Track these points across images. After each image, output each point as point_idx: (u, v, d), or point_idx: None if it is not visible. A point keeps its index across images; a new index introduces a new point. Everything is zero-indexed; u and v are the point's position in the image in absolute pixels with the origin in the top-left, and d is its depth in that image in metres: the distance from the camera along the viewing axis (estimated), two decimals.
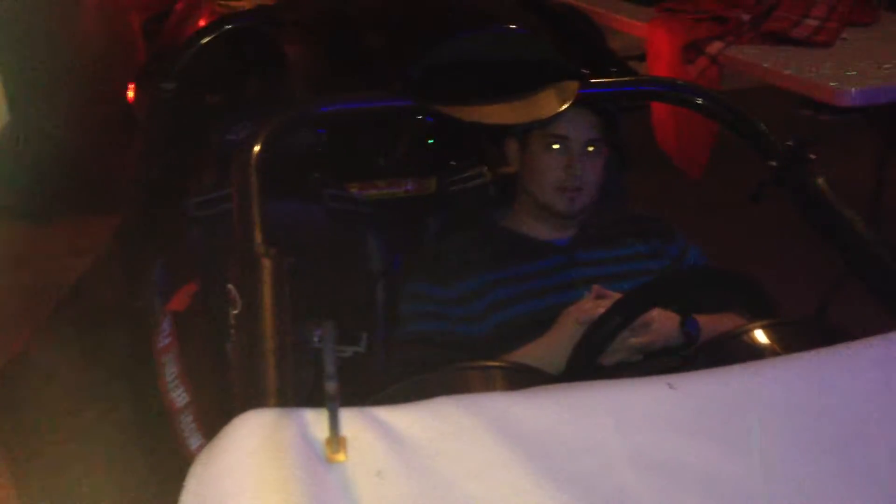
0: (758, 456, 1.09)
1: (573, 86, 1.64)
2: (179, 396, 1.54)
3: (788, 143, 1.60)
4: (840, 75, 2.85)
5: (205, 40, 1.89)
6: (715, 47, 3.17)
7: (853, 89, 2.75)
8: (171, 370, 1.56)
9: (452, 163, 2.16)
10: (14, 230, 3.98)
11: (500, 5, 1.86)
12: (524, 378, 1.36)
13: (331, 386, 1.02)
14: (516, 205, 1.91)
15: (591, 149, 1.78)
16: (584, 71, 1.65)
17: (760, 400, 1.13)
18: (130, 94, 2.38)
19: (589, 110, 1.75)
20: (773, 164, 1.60)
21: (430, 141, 2.22)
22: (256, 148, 1.39)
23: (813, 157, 1.58)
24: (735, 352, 1.40)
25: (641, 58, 3.58)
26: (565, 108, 1.63)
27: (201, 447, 1.07)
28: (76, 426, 1.89)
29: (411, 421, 1.05)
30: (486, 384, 1.38)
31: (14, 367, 2.06)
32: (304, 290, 1.78)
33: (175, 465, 1.35)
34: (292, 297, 1.26)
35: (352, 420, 1.03)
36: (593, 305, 1.64)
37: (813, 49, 3.11)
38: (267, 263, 1.25)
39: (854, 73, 2.86)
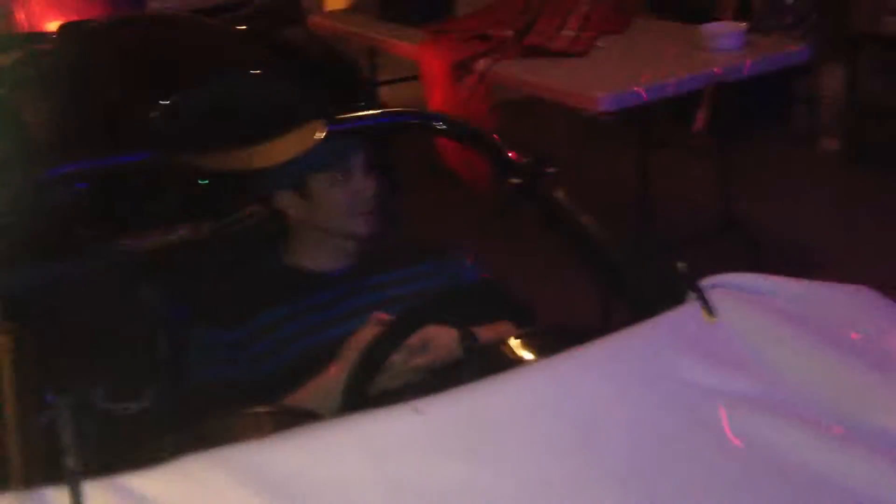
0: (504, 465, 1.15)
1: (318, 124, 1.67)
2: None
3: (528, 159, 1.69)
4: (595, 83, 3.03)
5: None
6: (482, 64, 3.30)
7: (607, 95, 2.93)
8: None
9: (225, 204, 2.14)
10: None
11: (244, 51, 1.86)
12: (295, 420, 1.37)
13: (70, 461, 1.01)
14: (295, 239, 1.92)
15: (368, 172, 1.83)
16: (328, 108, 1.68)
17: (504, 413, 1.19)
18: None
19: (358, 138, 1.79)
20: (516, 180, 1.68)
21: (203, 183, 2.20)
22: None
23: (551, 170, 1.68)
24: (504, 360, 1.47)
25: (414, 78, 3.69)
26: (313, 146, 1.66)
27: None
28: None
29: (157, 484, 1.04)
30: (257, 431, 1.38)
31: None
32: (74, 351, 1.73)
33: None
34: (52, 362, 1.22)
35: (97, 492, 1.02)
36: (371, 333, 1.67)
37: (571, 59, 3.29)
38: (3, 341, 1.21)
39: (605, 79, 3.05)
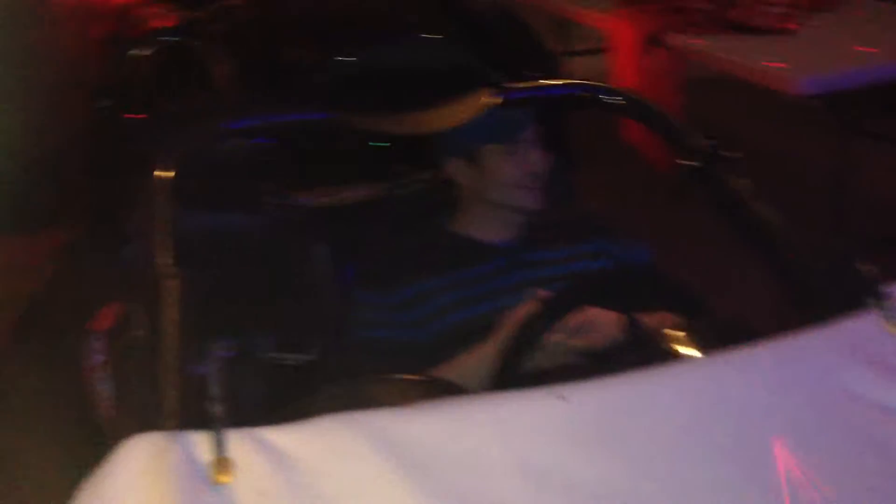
0: (647, 465, 1.10)
1: (489, 93, 1.64)
2: (111, 414, 1.56)
3: (708, 142, 1.60)
4: (798, 63, 2.84)
5: (138, 56, 1.91)
6: (675, 38, 3.16)
7: (810, 77, 2.75)
8: (103, 388, 1.58)
9: (401, 167, 2.17)
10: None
11: (418, 13, 1.86)
12: (440, 391, 1.37)
13: (216, 408, 1.04)
14: (463, 207, 1.92)
15: (539, 146, 1.81)
16: (498, 77, 1.65)
17: (652, 409, 1.14)
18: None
19: (531, 110, 1.77)
20: (693, 163, 1.60)
21: (379, 144, 2.23)
22: (164, 167, 1.40)
23: (733, 155, 1.58)
24: (664, 352, 1.41)
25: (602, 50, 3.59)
26: (482, 114, 1.64)
27: None
28: (35, 435, 1.91)
29: (296, 441, 1.07)
30: (403, 397, 1.39)
31: None
32: (244, 300, 1.80)
33: None
34: (210, 315, 1.27)
35: (238, 442, 1.05)
36: (529, 310, 1.65)
37: (774, 37, 3.10)
38: (170, 284, 1.26)
39: (810, 60, 2.85)
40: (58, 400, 1.86)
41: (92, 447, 1.57)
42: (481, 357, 1.62)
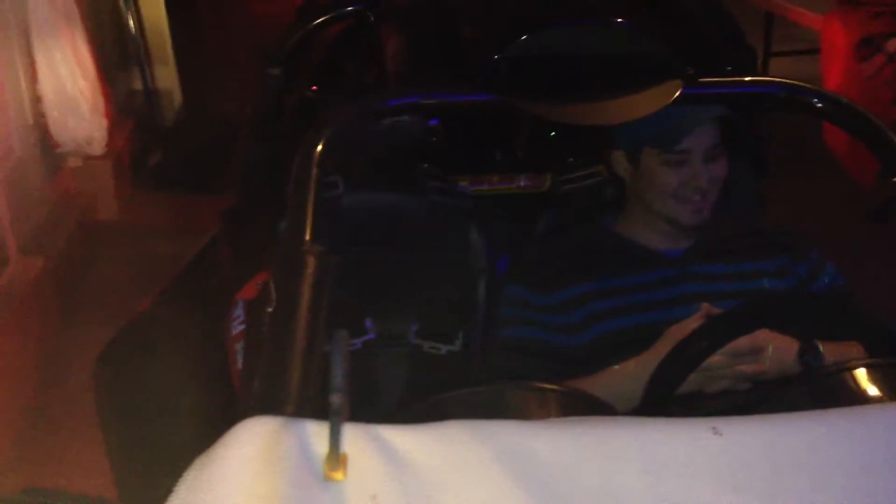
0: None
1: (674, 85, 1.50)
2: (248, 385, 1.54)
3: None
4: None
5: (311, 26, 1.89)
6: (894, 44, 2.89)
7: None
8: (241, 358, 1.57)
9: (570, 160, 2.06)
10: (182, 203, 4.21)
11: None
12: (583, 406, 1.26)
13: (336, 398, 0.97)
14: (629, 209, 1.79)
15: (711, 156, 1.67)
16: (689, 70, 1.51)
17: (818, 455, 0.98)
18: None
19: (708, 117, 1.64)
20: None
21: (551, 134, 2.13)
22: (317, 143, 1.35)
23: None
24: (838, 390, 1.25)
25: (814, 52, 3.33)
26: (667, 108, 1.50)
27: None
28: (177, 402, 1.93)
29: (417, 444, 0.98)
30: (542, 407, 1.29)
31: (127, 334, 2.11)
32: (392, 283, 1.75)
33: None
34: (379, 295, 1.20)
35: (355, 437, 0.98)
36: (694, 325, 1.51)
37: None
38: (309, 261, 1.20)
39: None
40: (198, 366, 1.86)
41: (224, 418, 1.56)
42: (633, 373, 1.51)
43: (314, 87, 2.03)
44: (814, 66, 3.59)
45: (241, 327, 1.58)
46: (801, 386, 1.30)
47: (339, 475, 0.95)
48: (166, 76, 4.78)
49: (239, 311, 1.60)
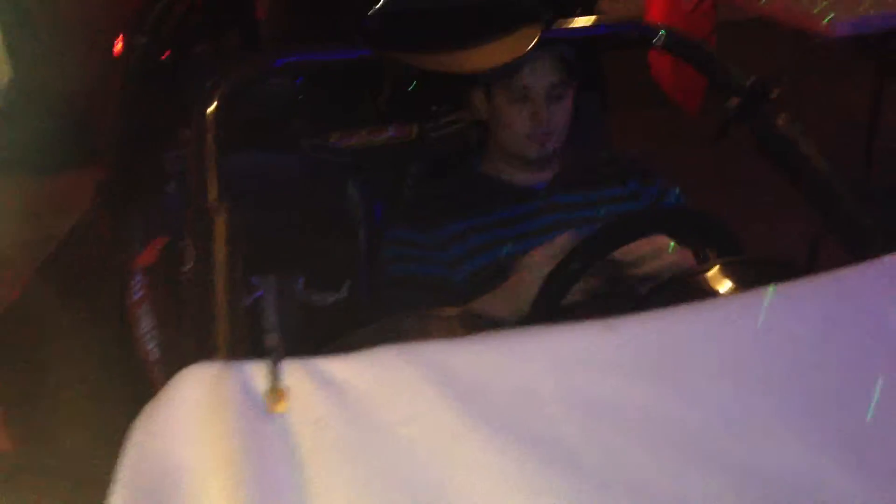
0: (695, 395, 1.11)
1: (534, 30, 1.63)
2: (155, 349, 1.58)
3: (751, 80, 1.58)
4: (828, 5, 2.79)
5: None
6: None
7: (839, 19, 2.69)
8: (146, 323, 1.60)
9: (433, 108, 2.16)
10: (18, 184, 4.04)
11: None
12: (484, 326, 1.38)
13: (271, 338, 1.05)
14: (491, 149, 1.91)
15: (555, 94, 1.78)
16: (546, 13, 1.64)
17: (701, 342, 1.14)
18: (118, 46, 2.38)
19: (548, 55, 1.74)
20: (735, 101, 1.58)
21: (411, 87, 2.22)
22: (211, 104, 1.40)
23: (775, 93, 1.57)
24: (694, 289, 1.42)
25: None
26: (525, 55, 1.62)
27: None
28: (66, 372, 1.94)
29: (351, 371, 1.07)
30: (448, 332, 1.40)
31: (10, 314, 2.11)
32: (276, 240, 1.81)
33: None
34: (254, 250, 1.28)
35: (293, 372, 1.06)
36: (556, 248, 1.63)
37: None
38: (219, 219, 1.27)
39: (842, 3, 2.80)
40: (90, 337, 1.88)
41: (132, 383, 1.60)
42: (512, 294, 1.63)
43: (168, 54, 2.03)
44: (636, 4, 3.81)
45: (141, 293, 1.62)
46: (675, 286, 1.45)
47: (280, 407, 1.04)
48: None
49: (137, 278, 1.63)
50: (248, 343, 1.18)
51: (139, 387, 1.60)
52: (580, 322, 1.15)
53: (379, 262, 1.85)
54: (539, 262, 1.60)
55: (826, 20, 2.74)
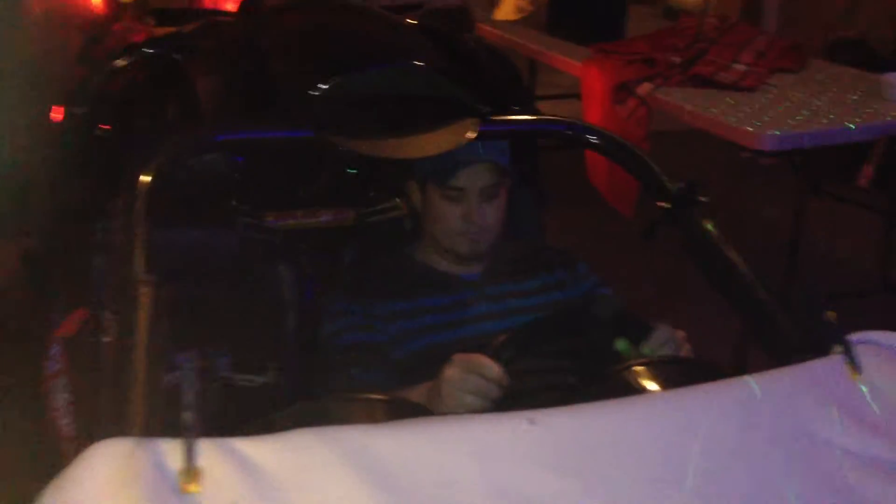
0: (610, 491, 1.11)
1: (472, 123, 1.67)
2: (69, 424, 1.53)
3: (681, 184, 1.63)
4: (761, 120, 2.92)
5: (116, 65, 1.90)
6: (644, 88, 3.23)
7: (772, 134, 2.81)
8: (61, 396, 1.55)
9: (371, 194, 2.18)
10: None
11: (407, 41, 1.88)
12: (408, 412, 1.37)
13: (187, 417, 1.03)
14: (425, 239, 1.94)
15: (488, 194, 1.81)
16: (484, 109, 1.68)
17: (621, 437, 1.15)
18: (58, 116, 2.37)
19: (483, 160, 1.77)
20: (666, 205, 1.63)
21: (350, 171, 2.24)
22: (146, 175, 1.40)
23: (703, 199, 1.62)
24: (617, 387, 1.43)
25: (579, 96, 3.65)
26: (459, 150, 1.65)
27: None
28: None
29: (268, 452, 1.05)
30: (370, 416, 1.38)
31: None
32: (203, 318, 1.79)
33: None
34: (179, 326, 1.26)
35: (209, 451, 1.03)
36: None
37: (739, 94, 3.19)
38: (144, 291, 1.25)
39: (772, 118, 2.93)
40: (10, 408, 1.81)
41: (46, 456, 1.55)
42: (427, 396, 1.59)
43: (107, 126, 2.03)
44: (573, 108, 3.93)
45: (58, 366, 1.57)
46: (602, 380, 1.46)
47: (195, 487, 1.01)
48: None
49: (55, 350, 1.58)
50: (166, 421, 1.15)
51: (50, 462, 1.54)
52: (503, 412, 1.16)
53: (320, 339, 1.82)
54: (455, 378, 1.53)
55: (755, 134, 2.86)
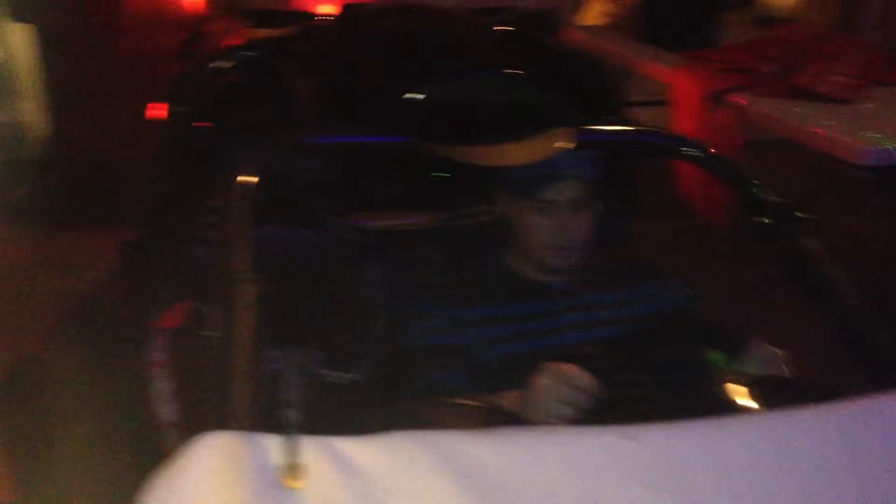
0: None
1: (565, 133, 1.66)
2: (171, 412, 1.58)
3: (782, 200, 1.60)
4: (860, 134, 2.83)
5: (216, 66, 1.95)
6: (740, 98, 3.17)
7: (872, 148, 2.73)
8: (161, 385, 1.60)
9: (460, 198, 2.19)
10: (46, 236, 4.09)
11: (502, 48, 1.89)
12: (502, 419, 1.37)
13: (291, 413, 1.05)
14: (515, 247, 1.94)
15: (577, 208, 1.80)
16: (578, 118, 1.67)
17: (721, 456, 1.13)
18: (158, 112, 2.44)
19: (574, 174, 1.76)
20: (765, 220, 1.60)
21: (440, 175, 2.25)
22: (247, 176, 1.43)
23: (808, 217, 1.59)
24: (714, 404, 1.41)
25: (664, 103, 3.61)
26: (551, 161, 1.65)
27: None
28: (77, 431, 1.93)
29: (368, 453, 1.07)
30: (463, 422, 1.39)
31: (25, 367, 2.11)
32: (297, 316, 1.82)
33: None
34: (276, 323, 1.29)
35: (311, 448, 1.06)
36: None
37: (837, 106, 3.11)
38: (245, 289, 1.28)
39: (874, 132, 2.84)
40: (108, 397, 1.87)
41: (147, 445, 1.59)
42: (517, 404, 1.59)
43: (209, 124, 2.08)
44: (661, 115, 3.88)
45: (161, 356, 1.62)
46: (696, 400, 1.45)
47: (298, 484, 1.03)
48: (31, 109, 4.65)
49: (159, 341, 1.63)
50: (263, 411, 1.17)
51: (150, 448, 1.59)
52: (602, 426, 1.15)
53: (406, 339, 1.84)
54: (547, 387, 1.52)
55: (853, 148, 2.78)
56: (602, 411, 1.50)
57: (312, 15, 3.43)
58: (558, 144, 1.65)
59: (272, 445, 1.05)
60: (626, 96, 4.57)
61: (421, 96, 1.64)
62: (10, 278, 3.64)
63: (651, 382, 1.72)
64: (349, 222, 2.00)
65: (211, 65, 2.02)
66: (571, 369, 1.49)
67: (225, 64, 2.00)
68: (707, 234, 3.42)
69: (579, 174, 1.76)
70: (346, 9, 2.18)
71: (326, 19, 2.47)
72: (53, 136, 4.48)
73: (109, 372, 1.87)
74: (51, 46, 4.25)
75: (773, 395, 1.39)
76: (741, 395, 1.41)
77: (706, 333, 1.82)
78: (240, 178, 1.44)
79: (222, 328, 1.26)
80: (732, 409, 1.35)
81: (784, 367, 1.53)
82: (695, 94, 3.29)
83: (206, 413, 1.23)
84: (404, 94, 1.66)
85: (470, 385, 1.72)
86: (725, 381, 1.42)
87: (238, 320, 1.25)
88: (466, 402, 1.45)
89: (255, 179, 1.43)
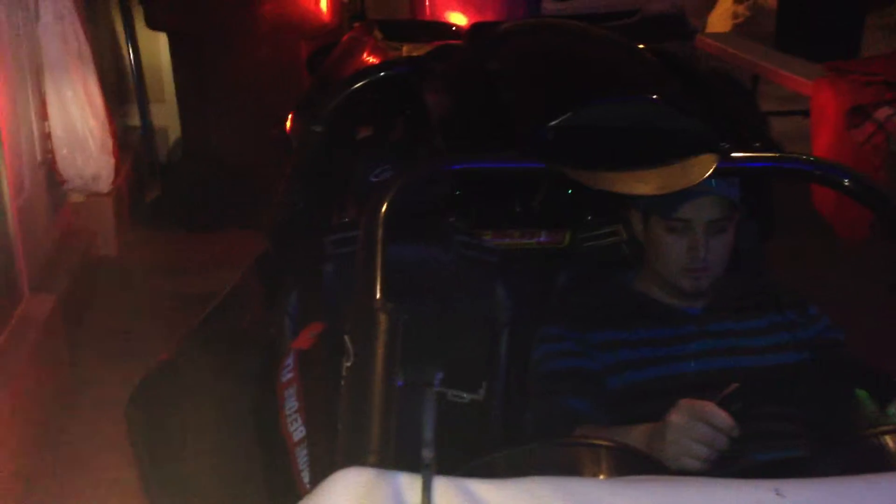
0: None
1: (710, 159, 1.60)
2: (297, 430, 1.60)
3: None
4: None
5: (356, 86, 1.97)
6: (884, 112, 3.02)
7: None
8: (290, 404, 1.62)
9: (588, 218, 2.15)
10: (179, 240, 4.25)
11: (644, 71, 1.83)
12: (638, 463, 1.32)
13: (427, 454, 1.04)
14: (646, 269, 1.88)
15: (716, 228, 1.73)
16: (724, 144, 1.61)
17: None
18: (288, 123, 2.49)
19: (713, 193, 1.70)
20: None
21: (568, 192, 2.22)
22: (384, 202, 1.43)
23: None
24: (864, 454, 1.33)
25: (805, 113, 3.47)
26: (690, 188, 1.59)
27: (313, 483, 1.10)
28: (207, 441, 1.98)
29: (503, 498, 1.05)
30: (595, 463, 1.35)
31: (160, 374, 2.17)
32: (423, 332, 1.81)
33: (291, 496, 1.41)
34: (408, 345, 1.28)
35: (445, 489, 1.04)
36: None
37: None
38: (382, 319, 1.28)
39: None
40: (234, 408, 1.91)
41: (277, 460, 1.62)
42: (651, 434, 1.50)
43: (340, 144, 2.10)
44: (792, 125, 3.74)
45: (290, 375, 1.64)
46: (846, 447, 1.37)
47: None
48: (164, 113, 4.83)
49: (290, 360, 1.65)
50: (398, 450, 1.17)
51: (278, 466, 1.61)
52: (747, 480, 1.10)
53: (530, 362, 1.81)
54: (683, 426, 1.44)
55: None
56: (740, 447, 1.44)
57: (450, 26, 3.43)
58: (702, 173, 1.59)
59: (408, 485, 1.05)
60: (759, 104, 4.44)
61: (562, 120, 1.61)
62: (143, 282, 3.80)
63: (794, 419, 1.65)
64: (475, 240, 1.99)
65: (348, 85, 2.04)
66: (708, 406, 1.43)
67: (361, 84, 2.01)
68: (847, 254, 3.26)
69: (718, 192, 1.70)
70: (475, 28, 2.16)
71: (458, 35, 2.47)
72: (185, 141, 4.64)
73: (236, 383, 1.90)
74: (183, 53, 4.40)
75: None
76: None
77: (851, 369, 1.72)
78: (376, 203, 1.44)
79: (356, 357, 1.26)
80: (889, 463, 1.26)
81: None
82: (836, 107, 3.15)
83: (333, 437, 1.23)
84: (545, 117, 1.62)
85: (594, 411, 1.68)
86: (881, 428, 1.33)
87: (373, 352, 1.25)
88: (598, 441, 1.41)
89: (389, 207, 1.43)
